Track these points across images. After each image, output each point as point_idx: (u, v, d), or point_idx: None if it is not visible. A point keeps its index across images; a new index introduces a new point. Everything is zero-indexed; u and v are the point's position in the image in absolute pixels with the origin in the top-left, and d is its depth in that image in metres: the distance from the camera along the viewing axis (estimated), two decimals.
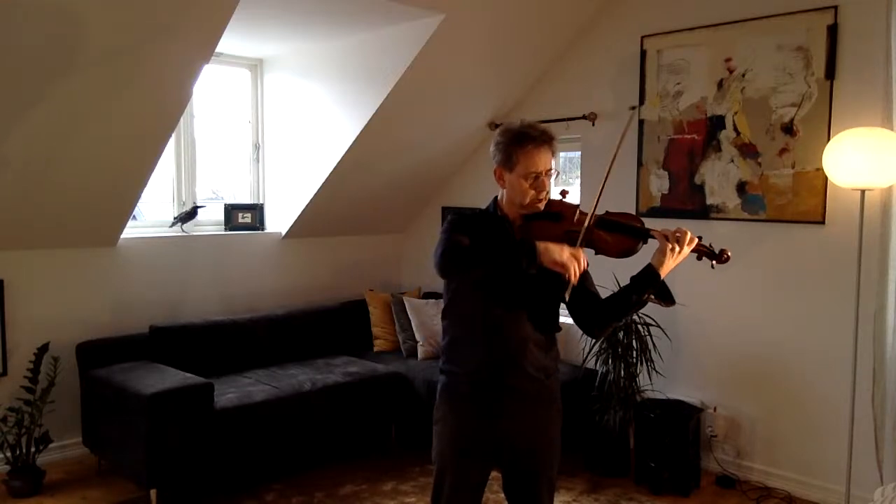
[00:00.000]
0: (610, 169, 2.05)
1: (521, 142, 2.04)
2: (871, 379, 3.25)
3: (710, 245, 2.04)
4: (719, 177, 3.79)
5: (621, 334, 3.81)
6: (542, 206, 2.08)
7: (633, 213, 4.05)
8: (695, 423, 3.68)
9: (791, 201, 3.55)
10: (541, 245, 1.87)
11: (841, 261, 3.37)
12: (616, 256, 2.03)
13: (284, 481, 3.70)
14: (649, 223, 2.09)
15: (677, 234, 1.97)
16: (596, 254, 2.06)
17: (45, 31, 2.83)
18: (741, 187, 3.72)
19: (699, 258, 2.05)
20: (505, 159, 2.07)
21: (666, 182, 4.00)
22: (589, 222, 2.00)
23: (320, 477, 3.76)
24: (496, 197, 2.18)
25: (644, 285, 2.01)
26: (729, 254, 2.01)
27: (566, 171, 4.93)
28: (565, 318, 2.19)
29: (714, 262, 2.02)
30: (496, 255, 1.93)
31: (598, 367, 3.91)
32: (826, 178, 3.34)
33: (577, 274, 1.87)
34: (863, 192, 3.10)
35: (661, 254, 1.99)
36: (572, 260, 1.87)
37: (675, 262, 2.00)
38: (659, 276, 2.00)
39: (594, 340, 3.82)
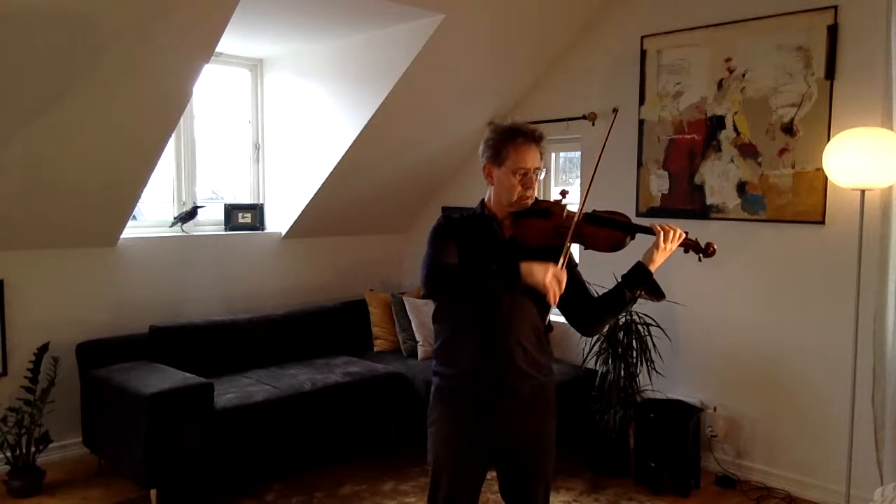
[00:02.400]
0: (597, 166, 2.07)
1: (513, 137, 2.06)
2: (871, 379, 3.25)
3: (696, 239, 2.07)
4: (719, 177, 3.79)
5: (621, 334, 3.81)
6: (529, 202, 2.08)
7: (633, 213, 4.08)
8: (695, 423, 3.68)
9: (791, 201, 3.55)
10: (524, 267, 1.89)
11: (841, 261, 3.37)
12: (605, 250, 2.05)
13: (284, 481, 3.70)
14: (648, 224, 2.09)
15: (667, 229, 2.01)
16: (585, 248, 2.07)
17: (45, 33, 2.83)
18: (741, 187, 3.72)
19: (686, 251, 2.08)
20: (494, 154, 2.08)
21: (666, 182, 4.00)
22: (578, 216, 2.03)
23: (320, 477, 3.76)
24: (483, 199, 2.19)
25: (636, 282, 2.04)
26: (715, 247, 2.04)
27: (566, 171, 4.93)
28: (561, 319, 2.20)
29: (700, 255, 2.05)
30: (481, 278, 1.96)
31: (597, 367, 3.90)
32: (826, 178, 3.34)
33: (557, 296, 1.89)
34: (863, 192, 3.10)
35: (651, 250, 2.02)
36: (553, 282, 1.87)
37: (663, 258, 2.03)
38: (650, 272, 2.03)
39: (593, 340, 3.83)
